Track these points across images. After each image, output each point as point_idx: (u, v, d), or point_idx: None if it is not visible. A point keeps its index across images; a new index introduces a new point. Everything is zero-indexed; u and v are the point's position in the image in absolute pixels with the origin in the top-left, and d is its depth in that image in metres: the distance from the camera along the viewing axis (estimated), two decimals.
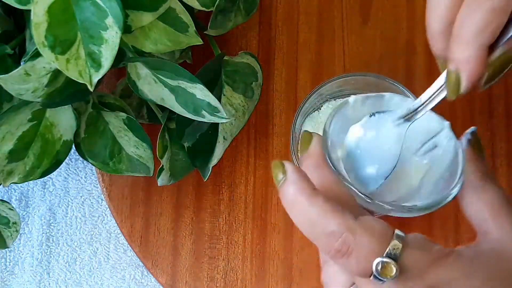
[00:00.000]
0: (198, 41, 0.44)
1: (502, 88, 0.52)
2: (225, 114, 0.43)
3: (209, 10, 0.46)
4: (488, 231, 0.30)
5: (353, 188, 0.31)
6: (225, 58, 0.49)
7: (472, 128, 0.33)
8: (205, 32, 0.47)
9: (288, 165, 0.29)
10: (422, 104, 0.34)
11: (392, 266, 0.26)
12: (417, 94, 0.45)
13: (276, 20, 0.55)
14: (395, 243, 0.27)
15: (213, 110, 0.43)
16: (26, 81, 0.39)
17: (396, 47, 0.53)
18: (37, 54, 0.38)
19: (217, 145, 0.48)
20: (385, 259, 0.27)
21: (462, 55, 0.30)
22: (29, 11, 0.37)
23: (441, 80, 0.33)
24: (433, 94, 0.33)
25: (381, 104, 0.35)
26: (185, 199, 0.52)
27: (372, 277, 0.27)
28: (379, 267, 0.26)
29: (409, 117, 0.34)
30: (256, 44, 0.54)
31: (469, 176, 0.32)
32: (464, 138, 0.33)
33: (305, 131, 0.32)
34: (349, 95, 0.49)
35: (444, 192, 0.32)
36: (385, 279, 0.26)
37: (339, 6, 0.54)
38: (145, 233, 0.51)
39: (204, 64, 0.47)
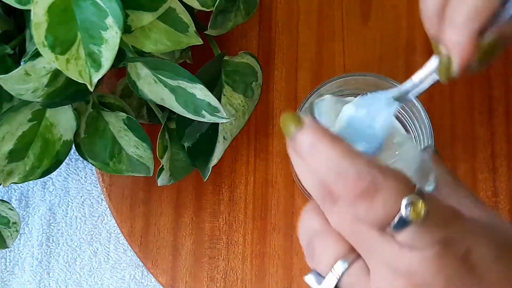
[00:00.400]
0: (198, 41, 0.44)
1: (502, 88, 0.52)
2: (225, 114, 0.43)
3: (209, 10, 0.46)
4: (473, 216, 0.30)
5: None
6: (225, 58, 0.49)
7: (428, 145, 0.33)
8: (205, 32, 0.47)
9: (304, 116, 0.28)
10: (414, 85, 0.34)
11: (421, 204, 0.25)
12: None
13: (276, 20, 0.55)
14: (419, 190, 0.26)
15: (213, 110, 0.43)
16: (26, 81, 0.39)
17: (396, 47, 0.53)
18: (37, 54, 0.38)
19: (217, 145, 0.48)
20: (415, 198, 0.25)
21: (454, 39, 0.31)
22: (29, 11, 0.37)
23: (432, 62, 0.33)
24: (425, 76, 0.33)
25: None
26: (185, 199, 0.52)
27: (394, 223, 0.25)
28: (409, 207, 0.25)
29: (400, 97, 0.34)
30: (256, 44, 0.54)
31: (441, 177, 0.31)
32: (429, 148, 0.33)
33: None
34: (349, 95, 0.49)
35: None
36: (411, 220, 0.25)
37: (339, 6, 0.54)
38: (145, 233, 0.51)
39: (204, 64, 0.47)
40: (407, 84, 0.34)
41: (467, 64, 0.31)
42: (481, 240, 0.26)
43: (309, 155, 0.27)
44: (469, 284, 0.25)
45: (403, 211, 0.25)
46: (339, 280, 0.27)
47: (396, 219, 0.25)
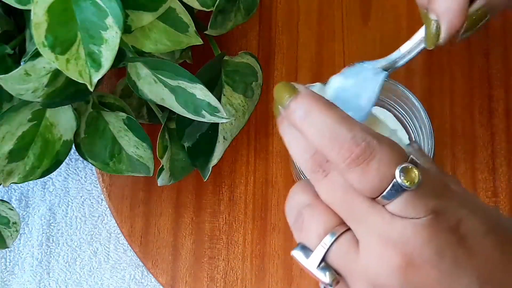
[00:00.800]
0: (198, 41, 0.44)
1: (502, 88, 0.52)
2: (225, 114, 0.43)
3: (209, 10, 0.46)
4: None
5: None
6: (225, 58, 0.49)
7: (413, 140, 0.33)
8: (205, 32, 0.47)
9: (298, 84, 0.28)
10: (402, 55, 0.34)
11: (416, 171, 0.25)
12: (417, 94, 0.46)
13: (276, 20, 0.55)
14: (413, 159, 0.26)
15: (213, 110, 0.43)
16: (26, 81, 0.39)
17: (396, 47, 0.53)
18: (37, 54, 0.38)
19: (217, 145, 0.48)
20: (409, 164, 0.25)
21: (444, 5, 0.31)
22: (29, 11, 0.37)
23: (420, 32, 0.33)
24: (413, 46, 0.34)
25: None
26: (185, 199, 0.52)
27: (387, 190, 0.25)
28: (403, 173, 0.25)
29: (388, 67, 0.34)
30: (256, 44, 0.54)
31: (431, 170, 0.32)
32: (409, 145, 0.33)
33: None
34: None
35: None
36: (405, 186, 0.25)
37: (339, 6, 0.54)
38: (145, 233, 0.51)
39: (204, 64, 0.47)
40: (394, 54, 0.34)
41: (455, 31, 0.32)
42: (472, 214, 0.26)
43: (304, 121, 0.27)
44: (459, 254, 0.25)
45: (398, 177, 0.25)
46: (327, 252, 0.27)
47: (389, 186, 0.25)
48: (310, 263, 0.27)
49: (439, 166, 0.33)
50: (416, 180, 0.25)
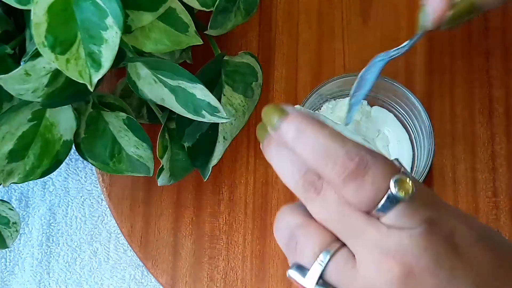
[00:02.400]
0: (198, 41, 0.44)
1: (502, 88, 0.52)
2: (225, 114, 0.43)
3: (209, 10, 0.46)
4: None
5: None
6: (225, 58, 0.49)
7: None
8: (205, 32, 0.47)
9: (286, 105, 0.28)
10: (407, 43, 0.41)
11: (410, 182, 0.26)
12: (417, 94, 0.46)
13: (276, 20, 0.55)
14: (405, 171, 0.26)
15: (213, 110, 0.43)
16: (26, 81, 0.39)
17: (396, 47, 0.53)
18: (37, 54, 0.38)
19: (217, 145, 0.48)
20: (403, 176, 0.26)
21: None
22: (29, 11, 0.37)
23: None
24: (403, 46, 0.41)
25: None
26: (185, 199, 0.52)
27: (382, 203, 0.26)
28: (398, 184, 0.25)
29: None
30: (256, 44, 0.54)
31: None
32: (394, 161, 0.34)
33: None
34: (349, 95, 0.49)
35: None
36: (400, 197, 0.25)
37: (339, 6, 0.54)
38: (145, 233, 0.51)
39: (204, 64, 0.47)
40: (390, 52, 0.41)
41: (439, 18, 0.38)
42: (463, 223, 0.27)
43: (297, 140, 0.27)
44: (455, 262, 0.26)
45: (392, 189, 0.25)
46: (324, 269, 0.27)
47: (384, 199, 0.26)
48: (308, 281, 0.27)
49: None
50: (410, 191, 0.25)
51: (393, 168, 0.26)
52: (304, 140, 0.27)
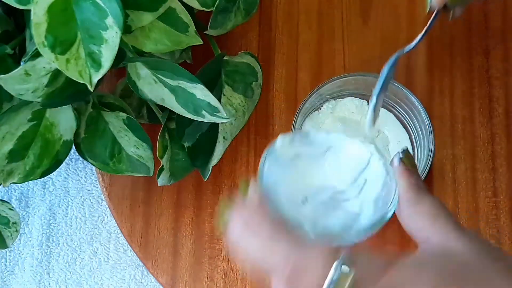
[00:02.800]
0: (198, 41, 0.44)
1: (502, 88, 0.52)
2: (225, 114, 0.43)
3: (209, 10, 0.46)
4: (428, 237, 0.30)
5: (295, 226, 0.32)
6: (225, 58, 0.49)
7: (403, 147, 0.34)
8: (205, 32, 0.47)
9: (229, 209, 0.31)
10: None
11: (346, 278, 0.27)
12: (417, 94, 0.46)
13: (276, 20, 0.55)
14: (343, 259, 0.27)
15: (213, 110, 0.43)
16: (26, 81, 0.39)
17: (396, 47, 0.53)
18: (37, 54, 0.38)
19: (217, 145, 0.48)
20: (339, 272, 0.27)
21: None
22: (29, 11, 0.37)
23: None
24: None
25: (308, 141, 0.36)
26: (185, 199, 0.52)
27: None
28: (335, 278, 0.27)
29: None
30: (256, 44, 0.54)
31: (403, 191, 0.32)
32: (395, 157, 0.33)
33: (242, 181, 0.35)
34: (349, 95, 0.49)
35: (383, 211, 0.32)
36: None
37: (339, 6, 0.54)
38: (145, 233, 0.51)
39: (204, 64, 0.47)
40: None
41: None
42: (412, 282, 0.27)
43: (238, 249, 0.31)
44: None
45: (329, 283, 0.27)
46: None
47: None
48: None
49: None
50: (346, 285, 0.27)
51: (331, 257, 0.28)
52: (244, 250, 0.30)
